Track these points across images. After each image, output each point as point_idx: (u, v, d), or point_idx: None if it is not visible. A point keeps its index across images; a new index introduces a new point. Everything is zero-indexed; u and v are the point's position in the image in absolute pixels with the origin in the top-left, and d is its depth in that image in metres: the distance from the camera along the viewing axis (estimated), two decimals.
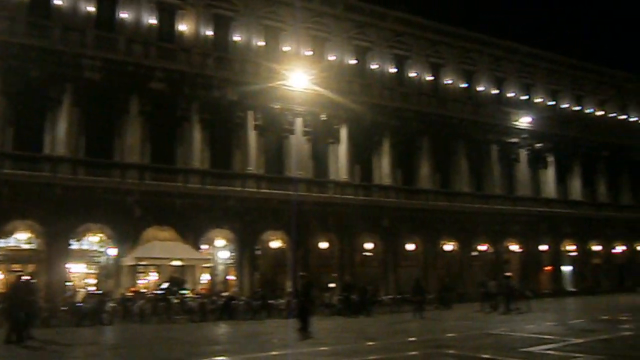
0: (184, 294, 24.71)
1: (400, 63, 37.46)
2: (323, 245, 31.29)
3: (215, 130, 29.75)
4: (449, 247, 35.80)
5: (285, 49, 32.69)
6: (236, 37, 31.22)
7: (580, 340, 14.16)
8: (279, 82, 30.47)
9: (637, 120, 50.59)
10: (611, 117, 48.61)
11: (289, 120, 31.72)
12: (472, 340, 15.07)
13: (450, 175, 37.61)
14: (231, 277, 29.05)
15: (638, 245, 45.32)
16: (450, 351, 12.67)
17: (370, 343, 15.05)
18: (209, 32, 30.41)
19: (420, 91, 37.38)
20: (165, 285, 24.64)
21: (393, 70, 36.81)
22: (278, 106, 31.25)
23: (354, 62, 35.16)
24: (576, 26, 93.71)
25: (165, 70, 28.22)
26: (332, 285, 29.49)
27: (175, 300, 23.88)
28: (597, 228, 42.66)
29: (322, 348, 14.05)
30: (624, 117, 49.78)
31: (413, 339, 15.74)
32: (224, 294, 25.94)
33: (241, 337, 18.37)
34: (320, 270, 30.63)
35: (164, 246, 25.62)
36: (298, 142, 31.75)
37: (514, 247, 38.68)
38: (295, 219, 28.75)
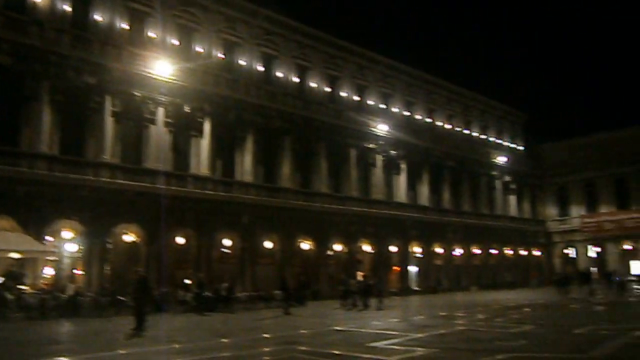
0: (22, 289, 22.81)
1: (268, 62, 37.76)
2: (180, 240, 30.58)
3: (68, 113, 27.81)
4: (305, 245, 36.66)
5: (151, 35, 31.54)
6: (97, 17, 29.52)
7: (420, 335, 15.07)
8: (142, 69, 29.28)
9: (478, 136, 55.73)
10: (457, 131, 53.07)
11: (150, 109, 30.56)
12: (323, 336, 15.50)
13: (310, 176, 38.56)
14: (79, 272, 27.30)
15: (474, 248, 49.61)
16: (301, 347, 12.92)
17: (223, 340, 14.98)
18: (67, 8, 28.44)
19: (285, 91, 37.92)
20: (0, 279, 22.55)
21: (260, 68, 37.01)
22: (139, 94, 29.99)
23: (221, 56, 34.83)
24: (434, 45, 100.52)
25: (12, 43, 25.84)
26: (187, 281, 28.87)
27: (11, 297, 21.95)
28: (441, 232, 46.08)
29: (173, 346, 13.76)
30: (468, 132, 54.65)
31: (266, 335, 15.89)
32: (68, 289, 24.32)
33: (85, 335, 17.38)
34: (176, 266, 29.92)
35: (1, 237, 23.39)
36: (158, 133, 30.72)
37: (367, 248, 40.56)
38: (152, 213, 27.81)
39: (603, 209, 58.22)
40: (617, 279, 36.61)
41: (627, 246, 56.38)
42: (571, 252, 59.81)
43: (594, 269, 52.39)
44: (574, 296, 31.44)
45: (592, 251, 58.09)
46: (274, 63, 38.13)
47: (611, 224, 56.34)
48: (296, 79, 39.24)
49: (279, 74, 38.16)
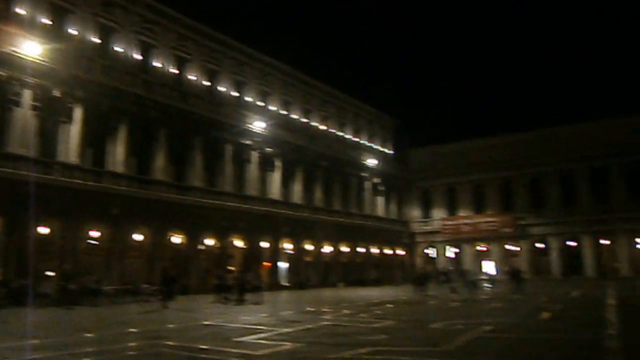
0: None
1: (146, 50, 36.68)
2: (44, 230, 28.77)
3: None
4: (177, 239, 36.05)
5: (20, 11, 29.41)
6: None
7: (288, 330, 15.41)
8: (6, 47, 27.23)
9: (351, 138, 58.04)
10: (331, 132, 54.87)
11: (15, 90, 28.47)
12: (191, 331, 15.41)
13: (184, 169, 37.94)
14: None
15: (342, 246, 51.49)
16: (168, 342, 12.81)
17: (87, 335, 14.48)
18: None
19: (163, 82, 37.02)
20: None
21: (138, 56, 35.87)
22: (3, 73, 27.85)
23: (97, 40, 33.27)
24: (313, 46, 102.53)
25: None
26: (50, 273, 27.25)
27: None
28: (311, 229, 47.31)
29: (32, 341, 13.11)
30: (341, 133, 56.70)
31: (133, 330, 15.56)
32: None
33: None
34: (39, 257, 28.11)
35: None
36: (24, 116, 28.71)
37: (239, 243, 40.67)
38: (13, 200, 25.97)
39: (462, 213, 63.04)
40: (470, 277, 39.76)
41: (480, 247, 61.52)
42: (432, 252, 64.19)
43: (451, 268, 56.57)
44: (432, 293, 33.58)
45: (451, 251, 62.79)
46: (152, 52, 37.10)
47: (468, 227, 61.21)
48: (174, 70, 38.46)
49: (157, 64, 37.18)
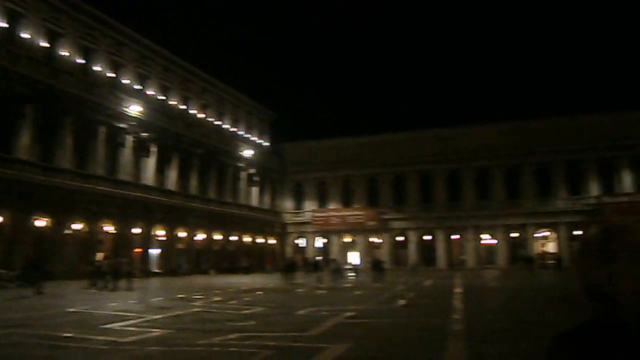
0: None
1: (13, 19, 34.37)
2: None
3: None
4: (41, 222, 34.28)
5: None
6: None
7: (157, 317, 15.34)
8: None
9: (229, 128, 58.20)
10: (209, 120, 54.65)
11: None
12: (55, 318, 14.93)
13: (53, 149, 36.11)
14: None
15: (215, 234, 51.66)
16: (29, 331, 12.33)
17: None
18: None
19: (31, 55, 34.86)
20: None
21: (3, 25, 33.48)
22: None
23: None
24: (194, 34, 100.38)
25: None
26: None
27: None
28: (185, 216, 47.03)
29: None
30: (220, 123, 56.67)
31: None
32: None
33: None
34: None
35: None
36: None
37: (109, 228, 39.49)
38: None
39: (331, 206, 65.72)
40: (336, 267, 41.75)
41: (347, 239, 64.58)
42: (302, 242, 66.23)
43: (319, 258, 58.73)
44: (300, 282, 34.92)
45: (320, 242, 65.21)
46: (21, 22, 34.81)
47: (336, 219, 63.91)
48: (45, 44, 36.36)
49: (25, 35, 34.96)
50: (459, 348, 9.95)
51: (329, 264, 43.79)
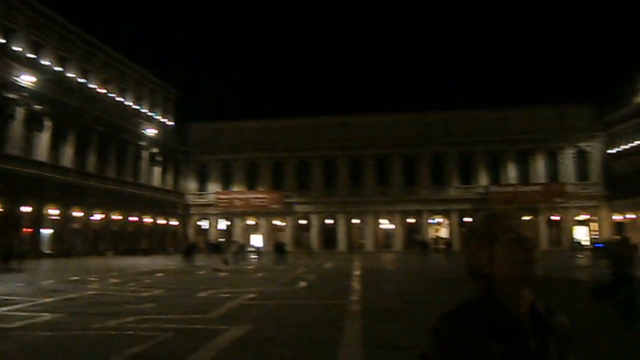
0: None
1: None
2: None
3: None
4: None
5: None
6: None
7: (47, 300, 14.84)
8: None
9: (131, 105, 56.14)
10: (111, 96, 52.43)
11: None
12: None
13: None
14: None
15: (114, 214, 49.95)
16: None
17: None
18: None
19: None
20: None
21: None
22: None
23: None
24: (99, 5, 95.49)
25: None
26: None
27: None
28: (81, 195, 45.04)
29: None
30: (122, 99, 54.50)
31: None
32: None
33: None
34: None
35: None
36: None
37: None
38: None
39: (236, 188, 65.45)
40: (238, 249, 41.81)
41: (250, 221, 64.67)
42: (205, 224, 65.53)
43: (222, 240, 58.50)
44: (201, 264, 34.71)
45: (223, 224, 64.83)
46: None
47: (240, 202, 63.78)
48: None
49: None
50: (356, 327, 10.51)
51: (231, 246, 43.78)
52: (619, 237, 9.79)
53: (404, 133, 62.24)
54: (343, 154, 63.68)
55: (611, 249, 9.38)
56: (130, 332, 9.95)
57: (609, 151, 61.34)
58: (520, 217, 1.62)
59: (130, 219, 52.41)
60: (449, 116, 62.76)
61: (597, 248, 39.60)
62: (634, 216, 57.16)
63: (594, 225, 60.44)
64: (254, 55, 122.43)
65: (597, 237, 56.93)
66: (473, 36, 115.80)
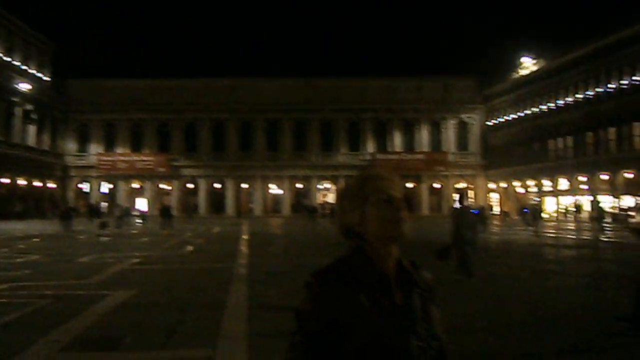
0: None
1: None
2: None
3: None
4: None
5: None
6: None
7: None
8: None
9: (2, 57, 51.62)
10: None
11: None
12: None
13: None
14: None
15: None
16: None
17: None
18: None
19: None
20: None
21: None
22: None
23: None
24: None
25: None
26: None
27: None
28: None
29: None
30: None
31: None
32: None
33: None
34: None
35: None
36: None
37: None
38: None
39: (119, 150, 62.78)
40: (122, 213, 40.43)
41: (135, 185, 62.54)
42: (86, 186, 62.42)
43: (105, 204, 56.25)
44: (80, 228, 33.29)
45: (105, 187, 62.12)
46: None
47: (124, 164, 61.35)
48: None
49: None
50: (242, 290, 10.74)
51: (114, 210, 42.27)
52: (461, 204, 10.83)
53: (295, 98, 62.49)
54: (233, 117, 62.91)
55: (452, 215, 10.38)
56: (3, 300, 9.51)
57: (488, 123, 65.64)
58: (392, 179, 1.73)
59: (2, 180, 48.75)
60: (338, 83, 63.76)
61: (472, 214, 42.57)
62: (505, 185, 61.99)
63: (471, 193, 64.76)
64: (140, 10, 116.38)
65: (474, 204, 61.21)
66: (361, 3, 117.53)
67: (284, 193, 63.70)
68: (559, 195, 52.97)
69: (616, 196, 45.89)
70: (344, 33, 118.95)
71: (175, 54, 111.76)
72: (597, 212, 28.35)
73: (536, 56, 57.69)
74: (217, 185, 63.14)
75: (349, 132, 64.35)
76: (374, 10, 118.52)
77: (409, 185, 62.73)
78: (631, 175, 45.33)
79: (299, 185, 63.87)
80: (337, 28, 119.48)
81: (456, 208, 10.88)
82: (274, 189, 64.62)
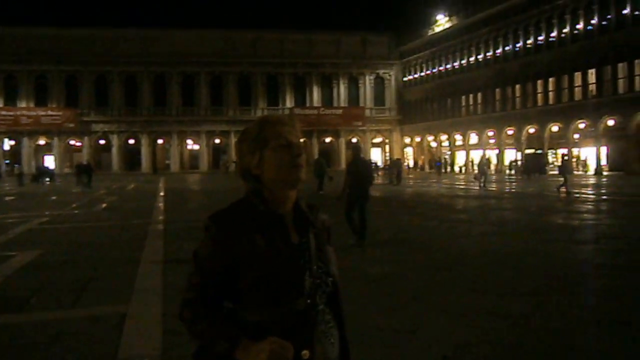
0: None
1: None
2: None
3: None
4: None
5: None
6: None
7: None
8: None
9: None
10: None
11: None
12: None
13: None
14: None
15: None
16: None
17: None
18: None
19: None
20: None
21: None
22: None
23: None
24: None
25: None
26: None
27: None
28: None
29: None
30: None
31: None
32: None
33: None
34: None
35: None
36: None
37: None
38: None
39: (22, 104, 58.98)
40: (28, 171, 38.53)
41: (41, 141, 59.27)
42: None
43: (7, 162, 53.11)
44: None
45: (7, 145, 58.46)
46: None
47: (28, 119, 57.80)
48: None
49: None
50: (157, 245, 10.57)
51: (16, 168, 40.08)
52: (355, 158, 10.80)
53: (211, 50, 60.78)
54: (146, 70, 60.41)
55: (349, 170, 10.39)
56: None
57: (404, 79, 66.92)
58: (292, 124, 1.73)
59: None
60: (257, 36, 62.55)
61: (389, 166, 43.77)
62: (419, 139, 63.91)
63: (387, 148, 66.28)
64: None
65: (389, 158, 62.81)
66: None
67: (200, 149, 62.55)
68: (470, 149, 55.32)
69: (520, 150, 48.55)
70: None
71: (83, 0, 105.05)
72: (480, 166, 28.88)
73: (450, 14, 58.98)
74: (131, 141, 61.01)
75: (267, 87, 63.70)
76: None
77: (327, 139, 63.35)
78: (532, 130, 48.06)
79: (217, 141, 62.89)
80: None
81: (353, 162, 10.76)
82: (190, 145, 63.30)
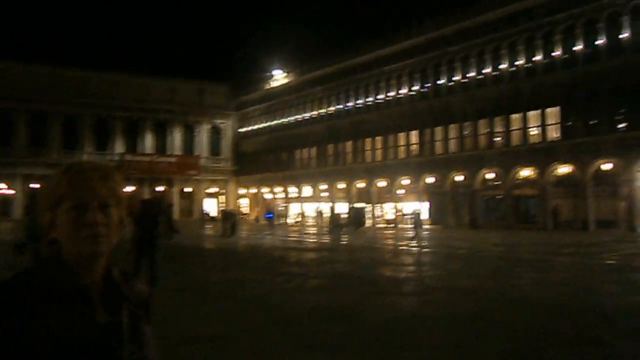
0: None
1: None
2: None
3: None
4: None
5: None
6: None
7: None
8: None
9: None
10: None
11: None
12: None
13: None
14: None
15: None
16: None
17: None
18: None
19: None
20: None
21: None
22: None
23: None
24: None
25: None
26: None
27: None
28: None
29: None
30: None
31: None
32: None
33: None
34: None
35: None
36: None
37: None
38: None
39: None
40: None
41: None
42: None
43: None
44: None
45: None
46: None
47: None
48: None
49: None
50: None
51: None
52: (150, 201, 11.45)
53: (33, 86, 55.99)
54: None
55: (136, 221, 10.61)
56: None
57: (240, 130, 67.40)
58: (98, 173, 1.33)
59: None
60: (87, 75, 59.13)
61: (224, 218, 43.11)
62: (254, 190, 64.20)
63: (222, 198, 65.56)
64: None
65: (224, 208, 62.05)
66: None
67: (15, 193, 56.54)
68: (303, 201, 56.68)
69: (352, 203, 50.86)
70: (92, 22, 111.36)
71: None
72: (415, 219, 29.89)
73: (287, 70, 61.14)
74: None
75: (96, 130, 60.06)
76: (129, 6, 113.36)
77: (160, 188, 61.08)
78: (362, 185, 50.77)
79: (35, 185, 57.36)
80: (86, 14, 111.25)
81: (144, 203, 11.07)
82: (3, 189, 56.96)
